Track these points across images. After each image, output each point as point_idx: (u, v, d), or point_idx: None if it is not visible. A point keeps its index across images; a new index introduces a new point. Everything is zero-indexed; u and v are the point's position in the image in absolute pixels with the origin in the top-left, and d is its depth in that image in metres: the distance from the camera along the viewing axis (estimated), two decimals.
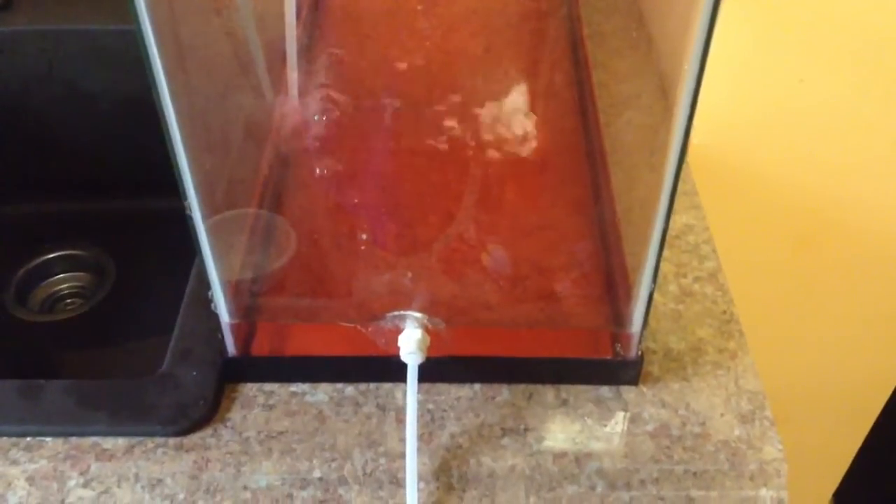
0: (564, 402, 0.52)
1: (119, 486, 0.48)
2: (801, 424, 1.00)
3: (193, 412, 0.50)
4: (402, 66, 0.67)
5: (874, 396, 0.98)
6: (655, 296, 0.52)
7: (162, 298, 0.62)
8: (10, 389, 0.51)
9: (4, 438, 0.49)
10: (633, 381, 0.53)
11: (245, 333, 0.53)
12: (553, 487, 0.48)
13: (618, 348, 0.52)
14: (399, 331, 0.49)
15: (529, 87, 0.65)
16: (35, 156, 0.83)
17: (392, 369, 0.49)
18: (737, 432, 0.51)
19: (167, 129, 0.41)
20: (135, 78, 0.77)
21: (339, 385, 0.52)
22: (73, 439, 0.49)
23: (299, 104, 0.63)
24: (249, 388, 0.52)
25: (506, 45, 0.70)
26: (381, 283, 0.54)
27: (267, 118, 0.63)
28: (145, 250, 0.81)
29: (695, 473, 0.49)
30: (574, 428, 0.51)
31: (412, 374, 0.48)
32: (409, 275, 0.53)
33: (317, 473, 0.48)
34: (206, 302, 0.50)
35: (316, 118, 0.62)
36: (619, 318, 0.53)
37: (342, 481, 0.48)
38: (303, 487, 0.48)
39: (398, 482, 0.48)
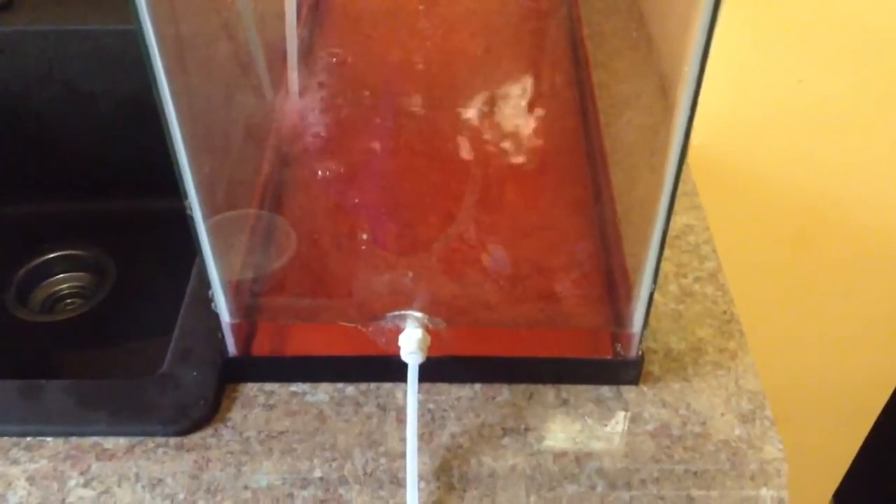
0: (565, 402, 0.52)
1: (119, 486, 0.48)
2: (801, 424, 1.00)
3: (194, 412, 0.50)
4: (403, 66, 0.67)
5: (874, 396, 0.99)
6: (656, 296, 0.52)
7: (162, 298, 0.62)
8: (11, 389, 0.51)
9: (5, 438, 0.49)
10: (634, 380, 0.53)
11: (245, 333, 0.53)
12: (553, 487, 0.48)
13: (618, 348, 0.52)
14: (399, 330, 0.49)
15: (529, 88, 0.65)
16: (35, 156, 0.83)
17: (392, 369, 0.49)
18: (737, 432, 0.51)
19: (168, 129, 0.41)
20: (135, 78, 0.77)
21: (340, 385, 0.52)
22: (74, 439, 0.49)
23: (300, 104, 0.63)
24: (250, 388, 0.52)
25: (506, 45, 0.70)
26: (381, 282, 0.54)
27: (267, 118, 0.63)
28: (145, 250, 0.81)
29: (695, 473, 0.49)
30: (574, 428, 0.51)
31: (413, 374, 0.48)
32: (410, 274, 0.53)
33: (317, 473, 0.48)
34: (206, 302, 0.50)
35: (316, 118, 0.62)
36: (619, 318, 0.53)
37: (343, 481, 0.48)
38: (303, 487, 0.48)
39: (399, 482, 0.48)
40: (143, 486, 0.48)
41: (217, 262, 0.47)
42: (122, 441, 0.49)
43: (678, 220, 0.63)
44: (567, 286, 0.55)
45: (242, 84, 0.60)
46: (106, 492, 0.47)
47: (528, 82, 0.65)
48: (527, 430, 0.50)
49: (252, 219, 0.57)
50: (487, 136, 0.61)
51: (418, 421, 0.48)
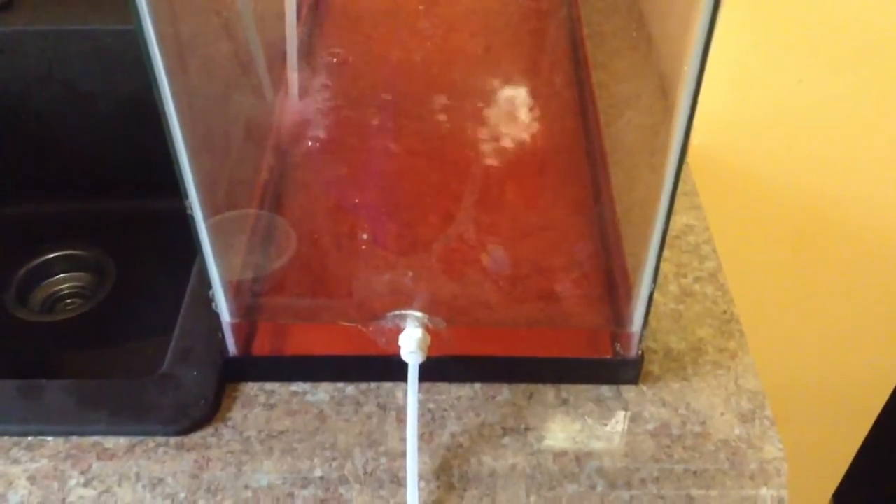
0: (565, 402, 0.52)
1: (120, 486, 0.48)
2: (801, 424, 1.00)
3: (194, 412, 0.50)
4: (403, 66, 0.67)
5: (874, 396, 0.99)
6: (656, 296, 0.52)
7: (162, 298, 0.62)
8: (11, 389, 0.51)
9: (6, 438, 0.49)
10: (634, 380, 0.53)
11: (246, 333, 0.53)
12: (553, 486, 0.48)
13: (618, 348, 0.52)
14: (400, 330, 0.49)
15: (529, 88, 0.65)
16: (35, 156, 0.83)
17: (393, 369, 0.49)
18: (737, 431, 0.51)
19: (168, 129, 0.41)
20: (135, 78, 0.77)
21: (340, 384, 0.52)
22: (74, 439, 0.49)
23: (300, 104, 0.63)
24: (250, 388, 0.52)
25: (506, 45, 0.70)
26: (381, 282, 0.54)
27: (268, 118, 0.63)
28: (145, 250, 0.81)
29: (695, 472, 0.49)
30: (574, 427, 0.51)
31: (413, 374, 0.48)
32: (410, 274, 0.54)
33: (318, 472, 0.48)
34: (206, 302, 0.50)
35: (316, 118, 0.62)
36: (619, 318, 0.53)
37: (343, 480, 0.48)
38: (304, 486, 0.48)
39: (399, 481, 0.48)
40: (143, 486, 0.48)
41: (217, 261, 0.47)
42: (123, 441, 0.49)
43: (678, 220, 0.64)
44: (567, 286, 0.55)
45: (242, 84, 0.60)
46: (106, 491, 0.47)
47: (528, 82, 0.65)
48: (527, 429, 0.50)
49: (252, 218, 0.57)
50: (487, 136, 0.61)
51: (418, 420, 0.48)
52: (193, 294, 0.56)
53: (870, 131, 0.73)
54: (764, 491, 0.49)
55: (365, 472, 0.48)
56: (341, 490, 0.48)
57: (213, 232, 0.46)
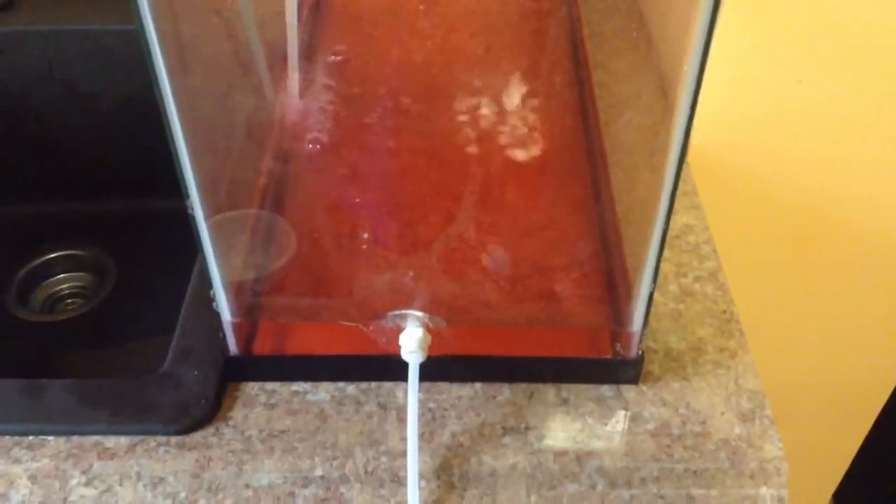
0: (565, 401, 0.52)
1: (121, 485, 0.48)
2: (801, 424, 1.00)
3: (195, 411, 0.50)
4: (403, 65, 0.67)
5: (874, 396, 0.99)
6: (656, 295, 0.52)
7: (163, 298, 0.62)
8: (13, 389, 0.51)
9: (7, 437, 0.49)
10: (634, 380, 0.53)
11: (247, 332, 0.53)
12: (554, 486, 0.48)
13: (618, 348, 0.52)
14: (400, 330, 0.49)
15: (530, 88, 0.65)
16: (36, 156, 0.83)
17: (393, 368, 0.49)
18: (737, 431, 0.51)
19: (169, 128, 0.41)
20: (135, 78, 0.77)
21: (341, 384, 0.52)
22: (76, 438, 0.49)
23: (300, 104, 0.63)
24: (251, 387, 0.52)
25: (506, 45, 0.70)
26: (382, 282, 0.54)
27: (268, 118, 0.63)
28: (146, 250, 0.81)
29: (695, 472, 0.49)
30: (575, 427, 0.51)
31: (413, 373, 0.48)
32: (411, 274, 0.54)
33: (318, 472, 0.48)
34: (207, 301, 0.50)
35: (317, 118, 0.62)
36: (619, 318, 0.53)
37: (344, 480, 0.48)
38: (304, 486, 0.48)
39: (399, 481, 0.48)
40: (144, 485, 0.48)
41: (218, 261, 0.47)
42: (124, 440, 0.49)
43: (678, 220, 0.64)
44: (567, 286, 0.55)
45: (243, 83, 0.60)
46: (108, 490, 0.47)
47: (528, 82, 0.65)
48: (527, 429, 0.50)
49: (253, 218, 0.57)
50: (487, 136, 0.61)
51: (419, 420, 0.48)
52: (194, 293, 0.56)
53: (870, 131, 0.73)
54: (764, 490, 0.49)
55: (366, 472, 0.48)
56: (342, 489, 0.48)
57: (214, 231, 0.46)
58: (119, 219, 0.84)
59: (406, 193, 0.61)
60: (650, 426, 0.51)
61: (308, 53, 0.67)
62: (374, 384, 0.52)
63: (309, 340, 0.55)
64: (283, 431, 0.50)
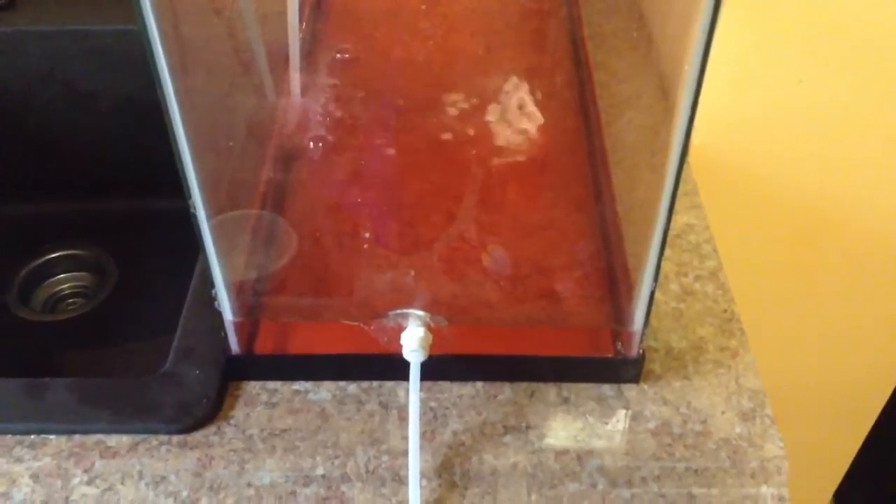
0: (566, 400, 0.52)
1: (123, 484, 0.48)
2: (801, 423, 1.00)
3: (197, 410, 0.50)
4: (404, 65, 0.67)
5: (874, 396, 0.99)
6: (657, 294, 0.52)
7: (164, 298, 0.62)
8: (15, 388, 0.51)
9: (9, 436, 0.49)
10: (635, 379, 0.53)
11: (248, 332, 0.53)
12: (555, 485, 0.49)
13: (619, 347, 0.53)
14: (401, 329, 0.49)
15: (530, 88, 0.65)
16: (36, 156, 0.83)
17: (394, 367, 0.49)
18: (738, 430, 0.51)
19: (171, 128, 0.41)
20: (136, 78, 0.77)
21: (342, 383, 0.52)
22: (77, 437, 0.49)
23: (302, 104, 0.63)
24: (252, 386, 0.52)
25: (507, 45, 0.70)
26: (383, 281, 0.54)
27: (270, 118, 0.63)
28: (146, 250, 0.81)
29: (696, 471, 0.49)
30: (576, 426, 0.51)
31: (415, 372, 0.48)
32: (412, 273, 0.54)
33: (320, 471, 0.48)
34: (209, 300, 0.50)
35: (318, 118, 0.62)
36: (620, 317, 0.53)
37: (345, 478, 0.48)
38: (306, 485, 0.48)
39: (401, 479, 0.48)
40: (146, 484, 0.48)
41: (220, 260, 0.48)
42: (126, 439, 0.49)
43: (679, 220, 0.64)
44: (568, 285, 0.55)
45: (245, 83, 0.60)
46: (109, 489, 0.48)
47: (529, 82, 0.66)
48: (528, 428, 0.51)
49: (255, 217, 0.57)
50: (488, 136, 0.61)
51: (420, 419, 0.49)
52: (195, 293, 0.56)
53: (870, 131, 0.73)
54: (764, 489, 0.49)
55: (367, 471, 0.48)
56: (343, 488, 0.48)
57: (216, 231, 0.46)
58: (120, 219, 0.84)
59: (407, 193, 0.61)
60: (651, 425, 0.51)
61: (309, 53, 0.67)
62: (375, 383, 0.52)
63: (310, 340, 0.55)
64: (284, 430, 0.50)
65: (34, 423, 0.50)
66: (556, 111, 0.67)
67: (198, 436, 0.50)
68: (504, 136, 0.61)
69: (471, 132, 0.61)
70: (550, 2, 0.74)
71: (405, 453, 0.48)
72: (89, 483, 0.48)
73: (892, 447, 1.06)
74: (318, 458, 0.49)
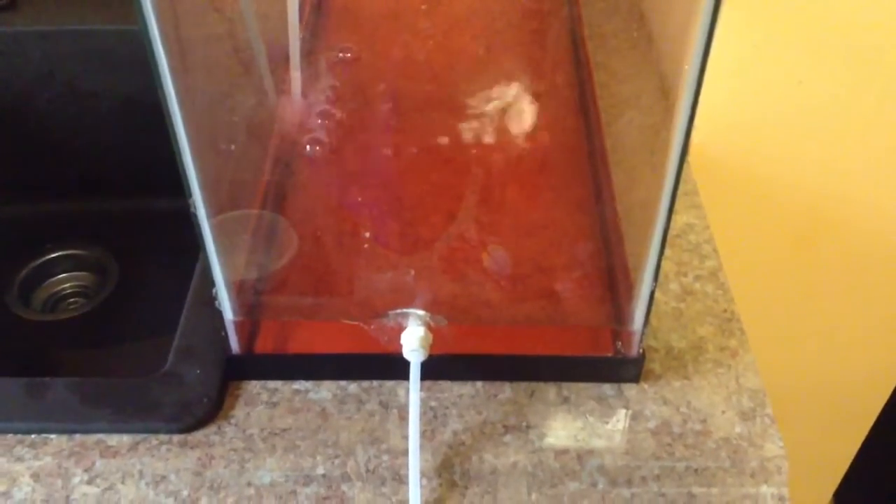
0: (566, 400, 0.52)
1: (123, 483, 0.48)
2: (801, 423, 1.00)
3: (197, 409, 0.50)
4: (405, 65, 0.67)
5: (874, 396, 0.99)
6: (657, 294, 0.52)
7: (164, 297, 0.62)
8: (15, 387, 0.51)
9: (10, 435, 0.49)
10: (635, 378, 0.53)
11: (249, 331, 0.53)
12: (555, 484, 0.49)
13: (619, 346, 0.53)
14: (402, 328, 0.49)
15: (531, 88, 0.65)
16: (37, 156, 0.83)
17: (395, 367, 0.49)
18: (738, 429, 0.51)
19: (172, 128, 0.41)
20: (136, 78, 0.77)
21: (342, 382, 0.53)
22: (78, 436, 0.49)
23: (302, 104, 0.63)
24: (253, 386, 0.52)
25: (507, 45, 0.70)
26: (383, 280, 0.54)
27: (270, 117, 0.63)
28: (147, 249, 0.82)
29: (696, 470, 0.49)
30: (576, 425, 0.51)
31: (415, 372, 0.48)
32: (412, 273, 0.54)
33: (320, 470, 0.48)
34: (209, 300, 0.50)
35: (318, 117, 0.62)
36: (620, 317, 0.53)
37: (345, 478, 0.48)
38: (306, 484, 0.48)
39: (401, 479, 0.48)
40: (146, 483, 0.48)
41: (221, 260, 0.48)
42: (126, 438, 0.49)
43: (679, 219, 0.64)
44: (568, 284, 0.55)
45: (245, 83, 0.60)
46: (110, 488, 0.48)
47: (529, 82, 0.66)
48: (528, 427, 0.51)
49: (255, 217, 0.58)
50: (489, 136, 0.61)
51: (420, 418, 0.49)
52: (196, 292, 0.56)
53: (870, 131, 0.73)
54: (764, 489, 0.49)
55: (367, 470, 0.49)
56: (343, 487, 0.48)
57: (217, 230, 0.46)
58: (120, 218, 0.85)
59: (407, 192, 0.61)
60: (651, 425, 0.51)
61: (310, 53, 0.67)
62: (375, 383, 0.53)
63: (310, 339, 0.55)
64: (284, 430, 0.50)
65: (35, 422, 0.50)
66: (556, 111, 0.67)
67: (198, 435, 0.50)
68: (504, 135, 0.61)
69: (471, 132, 0.62)
70: (551, 2, 0.74)
71: (405, 453, 0.48)
72: (90, 482, 0.48)
73: (892, 447, 1.06)
74: (318, 458, 0.49)
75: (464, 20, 0.70)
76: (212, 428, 0.50)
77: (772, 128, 0.73)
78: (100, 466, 0.48)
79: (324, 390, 0.52)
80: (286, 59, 0.63)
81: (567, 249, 0.57)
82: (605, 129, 0.62)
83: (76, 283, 0.81)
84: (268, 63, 0.62)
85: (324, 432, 0.50)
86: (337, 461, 0.49)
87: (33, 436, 0.49)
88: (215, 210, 0.46)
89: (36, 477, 0.48)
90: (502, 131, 0.62)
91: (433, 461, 0.49)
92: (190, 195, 0.44)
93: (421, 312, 0.49)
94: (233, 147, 0.55)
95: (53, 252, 0.81)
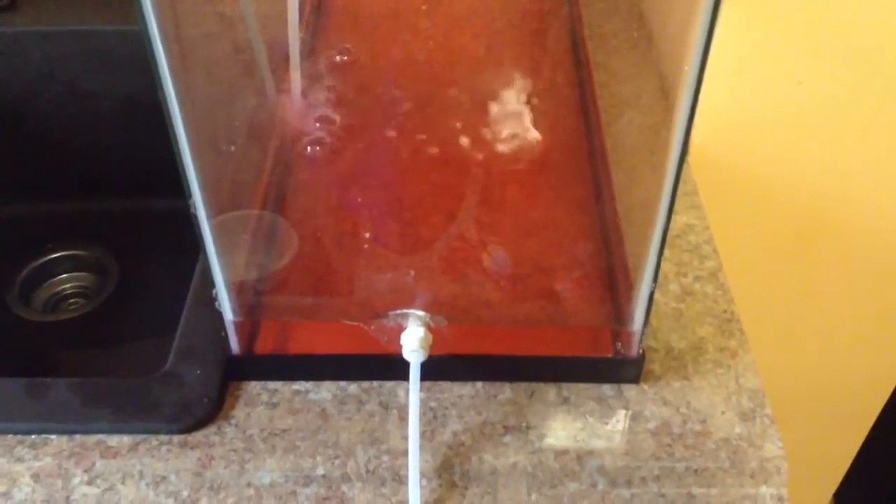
0: (566, 400, 0.52)
1: (123, 484, 0.48)
2: (801, 424, 1.00)
3: (197, 410, 0.50)
4: (405, 65, 0.67)
5: (874, 396, 0.99)
6: (656, 295, 0.52)
7: (165, 297, 0.62)
8: (16, 388, 0.51)
9: (10, 436, 0.49)
10: (635, 379, 0.53)
11: (249, 332, 0.53)
12: (555, 485, 0.49)
13: (619, 347, 0.53)
14: (401, 329, 0.49)
15: (531, 88, 0.65)
16: (37, 156, 0.83)
17: (394, 367, 0.49)
18: (737, 430, 0.51)
19: (172, 128, 0.41)
20: (136, 78, 0.77)
21: (342, 383, 0.53)
22: (78, 437, 0.49)
23: (302, 104, 0.63)
24: (253, 386, 0.52)
25: (507, 45, 0.70)
26: (383, 281, 0.54)
27: (270, 118, 0.63)
28: (148, 250, 0.82)
29: (696, 471, 0.49)
30: (575, 426, 0.51)
31: (415, 372, 0.48)
32: (412, 273, 0.54)
33: (320, 471, 0.48)
34: (209, 300, 0.50)
35: (318, 118, 0.62)
36: (620, 317, 0.53)
37: (345, 478, 0.48)
38: (306, 484, 0.48)
39: (401, 479, 0.48)
40: (146, 484, 0.48)
41: (221, 260, 0.48)
42: (126, 439, 0.49)
43: (678, 220, 0.64)
44: (568, 285, 0.55)
45: (245, 83, 0.60)
46: (110, 489, 0.48)
47: (529, 82, 0.66)
48: (528, 428, 0.51)
49: (255, 217, 0.58)
50: (489, 136, 0.61)
51: (420, 419, 0.49)
52: (196, 293, 0.56)
53: (870, 131, 0.73)
54: (764, 489, 0.49)
55: (367, 471, 0.49)
56: (343, 488, 0.48)
57: (217, 231, 0.46)
58: (121, 219, 0.85)
59: (407, 193, 0.61)
60: (651, 425, 0.51)
61: (310, 53, 0.67)
62: (375, 383, 0.53)
63: (310, 340, 0.55)
64: (284, 430, 0.50)
65: (35, 422, 0.50)
66: (556, 111, 0.67)
67: (198, 436, 0.50)
68: (504, 135, 0.61)
69: (471, 132, 0.62)
70: (551, 2, 0.74)
71: (405, 453, 0.48)
72: (90, 483, 0.48)
73: (892, 447, 1.06)
74: (318, 458, 0.49)
75: (464, 20, 0.70)
76: (212, 428, 0.50)
77: (771, 128, 0.73)
78: (100, 467, 0.48)
79: (324, 391, 0.52)
80: (286, 59, 0.63)
81: (567, 249, 0.57)
82: (605, 129, 0.62)
83: (77, 283, 0.81)
84: (268, 63, 0.62)
85: (324, 433, 0.50)
86: (337, 462, 0.49)
87: (33, 436, 0.49)
88: (215, 210, 0.46)
89: (36, 477, 0.48)
90: (502, 131, 0.62)
91: (433, 462, 0.49)
92: (190, 196, 0.44)
93: (421, 313, 0.49)
94: (233, 147, 0.55)
95: (54, 252, 0.81)
